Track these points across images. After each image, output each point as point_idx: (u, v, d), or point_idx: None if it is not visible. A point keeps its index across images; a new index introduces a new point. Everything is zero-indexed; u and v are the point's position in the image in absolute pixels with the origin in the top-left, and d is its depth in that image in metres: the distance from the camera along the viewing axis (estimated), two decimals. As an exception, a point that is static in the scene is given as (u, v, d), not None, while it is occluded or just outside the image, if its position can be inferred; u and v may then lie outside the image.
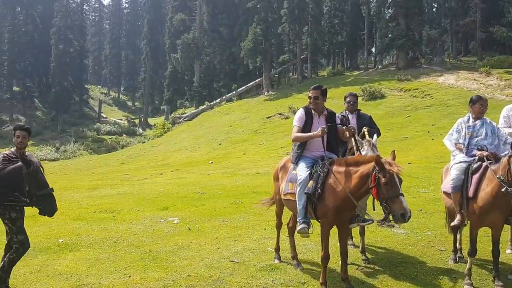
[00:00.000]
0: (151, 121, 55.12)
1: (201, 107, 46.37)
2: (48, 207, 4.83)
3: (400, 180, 4.47)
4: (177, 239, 7.13)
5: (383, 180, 4.41)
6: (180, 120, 44.23)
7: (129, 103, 72.65)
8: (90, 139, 47.11)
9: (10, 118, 54.22)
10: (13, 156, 4.95)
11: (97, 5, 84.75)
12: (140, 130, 51.72)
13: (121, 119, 58.12)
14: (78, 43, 57.49)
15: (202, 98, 49.52)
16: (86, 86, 62.58)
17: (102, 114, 59.12)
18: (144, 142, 42.70)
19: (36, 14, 59.87)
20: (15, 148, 5.07)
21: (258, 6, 45.61)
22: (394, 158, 4.60)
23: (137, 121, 55.32)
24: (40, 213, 4.90)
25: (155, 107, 64.05)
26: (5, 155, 4.95)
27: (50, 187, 4.86)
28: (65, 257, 6.37)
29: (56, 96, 54.02)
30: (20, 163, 4.76)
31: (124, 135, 49.30)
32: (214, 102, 46.39)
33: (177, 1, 55.22)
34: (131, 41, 72.62)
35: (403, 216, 4.32)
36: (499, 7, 39.03)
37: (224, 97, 47.31)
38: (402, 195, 4.40)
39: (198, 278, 5.36)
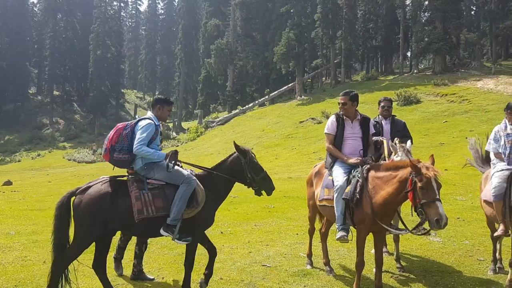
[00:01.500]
0: (184, 125, 55.87)
1: (233, 112, 46.64)
2: (266, 186, 5.05)
3: (439, 185, 4.34)
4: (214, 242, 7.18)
5: (419, 184, 4.31)
6: (213, 124, 44.62)
7: (164, 107, 73.80)
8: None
9: (50, 121, 56.30)
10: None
11: (134, 12, 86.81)
12: (174, 133, 52.45)
13: (155, 123, 59.08)
14: (115, 49, 59.13)
15: (235, 102, 49.83)
16: (122, 90, 64.15)
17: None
18: (178, 145, 43.26)
19: (76, 20, 62.09)
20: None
21: (292, 10, 45.65)
22: (433, 163, 4.48)
23: (171, 125, 56.14)
24: (256, 194, 5.11)
25: (188, 111, 64.88)
26: None
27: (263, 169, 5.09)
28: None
29: (94, 100, 55.70)
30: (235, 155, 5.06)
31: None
32: (247, 106, 46.58)
33: (212, 7, 55.90)
34: (166, 46, 73.98)
35: (438, 222, 4.19)
36: (543, 9, 37.64)
37: (256, 101, 47.46)
38: (439, 200, 4.27)
39: (230, 282, 5.38)
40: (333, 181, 5.16)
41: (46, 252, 6.85)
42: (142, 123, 4.81)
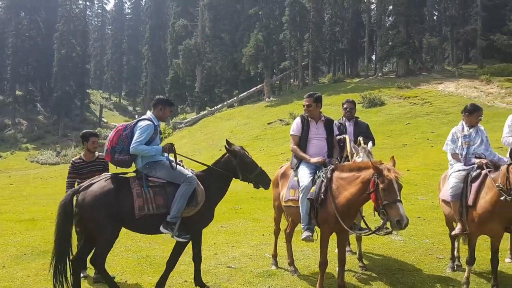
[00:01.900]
0: (152, 126, 55.07)
1: (202, 113, 46.41)
2: (262, 182, 5.15)
3: (400, 187, 4.43)
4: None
5: (381, 186, 4.39)
6: (181, 126, 44.24)
7: (130, 108, 72.75)
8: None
9: (12, 122, 54.39)
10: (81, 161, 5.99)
11: (100, 11, 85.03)
12: (141, 135, 51.70)
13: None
14: (80, 48, 57.73)
15: (203, 103, 49.59)
16: (87, 90, 62.70)
17: (103, 119, 59.24)
18: (145, 147, 42.67)
19: (40, 19, 60.24)
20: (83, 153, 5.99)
21: (260, 13, 45.88)
22: (394, 164, 4.58)
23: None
24: (254, 187, 5.23)
25: (156, 112, 64.00)
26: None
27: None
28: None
29: (58, 101, 54.20)
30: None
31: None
32: (215, 107, 46.44)
33: (179, 7, 55.49)
34: (133, 46, 72.81)
35: (399, 223, 4.28)
36: (500, 15, 39.21)
37: (225, 102, 47.39)
38: (400, 201, 4.36)
39: (194, 284, 5.35)
40: (298, 182, 5.21)
41: (5, 257, 6.64)
42: (141, 124, 4.89)
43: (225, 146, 5.21)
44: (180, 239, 4.81)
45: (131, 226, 4.89)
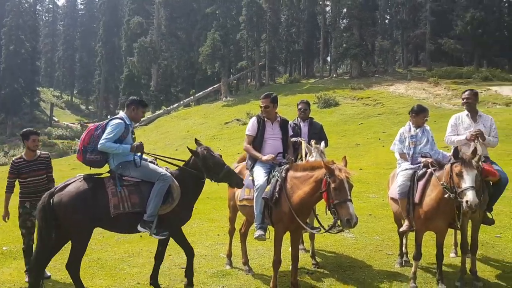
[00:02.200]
0: (105, 125, 53.72)
1: (157, 112, 45.71)
2: (231, 182, 5.08)
3: (351, 186, 4.53)
4: (128, 246, 7.00)
5: (332, 185, 4.48)
6: (135, 125, 43.30)
7: (83, 107, 70.63)
8: (40, 143, 45.15)
9: (-45, 120, 51.49)
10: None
11: (51, 6, 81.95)
12: (94, 134, 50.35)
13: (74, 123, 56.33)
14: (30, 44, 55.40)
15: (159, 102, 48.85)
16: (37, 88, 60.24)
17: (54, 118, 57.12)
18: (98, 147, 41.58)
19: (-15, 13, 57.30)
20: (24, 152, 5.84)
21: (217, 12, 45.72)
22: (345, 164, 4.68)
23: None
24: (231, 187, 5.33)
25: (109, 111, 62.32)
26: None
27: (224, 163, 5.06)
28: (9, 265, 6.13)
29: (6, 99, 51.75)
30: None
31: (77, 139, 47.64)
32: (171, 107, 45.87)
33: (134, 4, 54.35)
34: (86, 43, 70.67)
35: (348, 222, 4.38)
36: (448, 20, 41.00)
37: (181, 102, 46.91)
38: (350, 201, 4.45)
39: (148, 286, 5.27)
40: (253, 181, 5.25)
41: None
42: (112, 122, 4.90)
43: (187, 147, 5.19)
44: (158, 237, 4.84)
45: (109, 226, 4.89)
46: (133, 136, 5.16)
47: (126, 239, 7.53)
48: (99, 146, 4.77)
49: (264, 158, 5.30)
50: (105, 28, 58.77)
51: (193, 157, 5.13)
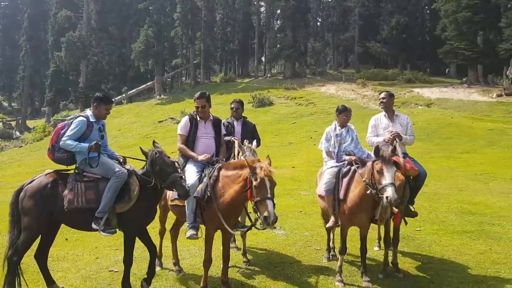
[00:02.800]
0: (30, 123, 50.70)
1: (87, 110, 43.87)
2: (177, 191, 4.77)
3: (273, 184, 4.60)
4: (52, 250, 6.60)
5: (254, 183, 4.56)
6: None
7: (5, 104, 66.18)
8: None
9: None
10: None
11: (-32, -5, 75.89)
12: (17, 133, 47.25)
13: (-6, 121, 52.62)
14: None
15: (88, 100, 46.78)
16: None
17: (-29, 115, 52.99)
18: (22, 146, 39.10)
19: None
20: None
21: (150, 8, 44.72)
22: (269, 163, 4.76)
23: (13, 123, 50.51)
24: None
25: (35, 109, 59.14)
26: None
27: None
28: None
29: None
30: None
31: (1, 139, 44.65)
32: (102, 105, 44.23)
33: (62, -3, 51.81)
34: (8, 36, 66.14)
35: (266, 219, 4.43)
36: (375, 25, 43.06)
37: (113, 99, 45.29)
38: (270, 199, 4.51)
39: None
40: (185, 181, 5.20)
41: None
42: (75, 120, 5.04)
43: (140, 147, 5.04)
44: (105, 234, 4.80)
45: (64, 220, 4.97)
46: (101, 133, 5.16)
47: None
48: (60, 143, 4.93)
49: (200, 157, 5.28)
50: (29, 21, 55.42)
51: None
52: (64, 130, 5.00)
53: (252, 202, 4.63)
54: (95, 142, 4.86)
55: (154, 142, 5.12)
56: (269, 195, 4.52)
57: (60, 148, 4.97)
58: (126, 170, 4.92)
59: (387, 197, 4.80)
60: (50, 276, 5.16)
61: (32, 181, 4.95)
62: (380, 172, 4.96)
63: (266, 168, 4.62)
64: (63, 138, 4.90)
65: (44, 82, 54.76)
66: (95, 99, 5.16)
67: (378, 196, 4.97)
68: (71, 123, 5.02)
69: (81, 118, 5.03)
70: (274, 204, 4.54)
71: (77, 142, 4.88)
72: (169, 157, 4.91)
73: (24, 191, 4.88)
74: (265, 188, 4.53)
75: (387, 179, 4.88)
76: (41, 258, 5.15)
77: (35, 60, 56.38)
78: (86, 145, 4.86)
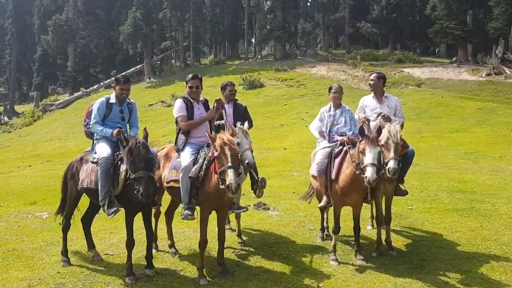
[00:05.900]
0: (18, 108, 50.15)
1: (76, 94, 43.49)
2: (141, 189, 4.59)
3: (234, 152, 4.57)
4: (46, 235, 6.68)
5: (215, 154, 4.61)
6: (52, 108, 40.97)
7: (-8, 89, 65.07)
8: None
9: None
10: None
11: None
12: (6, 118, 46.77)
13: (-19, 107, 51.93)
14: None
15: (77, 84, 46.42)
16: None
17: (-42, 101, 52.22)
18: (10, 131, 38.77)
19: None
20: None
21: (138, -11, 43.90)
22: (231, 134, 4.84)
23: (1, 108, 49.93)
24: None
25: (22, 93, 58.33)
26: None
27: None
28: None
29: None
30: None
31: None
32: (91, 88, 43.80)
33: (47, -22, 50.68)
34: (-8, 20, 64.73)
35: (228, 188, 4.44)
36: (365, 4, 42.78)
37: (102, 83, 44.86)
38: (231, 167, 4.49)
39: (69, 275, 5.10)
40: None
41: None
42: (96, 102, 5.38)
43: (122, 134, 5.01)
44: (111, 216, 5.03)
45: (90, 197, 5.43)
46: (121, 115, 5.35)
47: (44, 227, 7.19)
48: (90, 127, 5.32)
49: (208, 114, 5.41)
50: (15, 4, 54.22)
51: None
52: (91, 109, 5.37)
53: (217, 175, 4.63)
54: (117, 129, 5.00)
55: (145, 129, 5.14)
56: (230, 164, 4.51)
57: (87, 124, 5.44)
58: (109, 157, 4.97)
59: (366, 177, 4.85)
60: (92, 240, 5.76)
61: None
62: (363, 152, 4.99)
63: (226, 138, 4.63)
64: (91, 122, 5.25)
65: (32, 66, 53.96)
66: (113, 80, 5.43)
67: (360, 175, 4.99)
68: (94, 103, 5.35)
69: (100, 99, 5.34)
70: (238, 173, 4.60)
71: (102, 127, 5.17)
72: (150, 152, 4.79)
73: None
74: (226, 157, 4.53)
75: (368, 159, 4.91)
76: (86, 222, 5.84)
77: (21, 44, 55.37)
78: (110, 130, 5.10)
